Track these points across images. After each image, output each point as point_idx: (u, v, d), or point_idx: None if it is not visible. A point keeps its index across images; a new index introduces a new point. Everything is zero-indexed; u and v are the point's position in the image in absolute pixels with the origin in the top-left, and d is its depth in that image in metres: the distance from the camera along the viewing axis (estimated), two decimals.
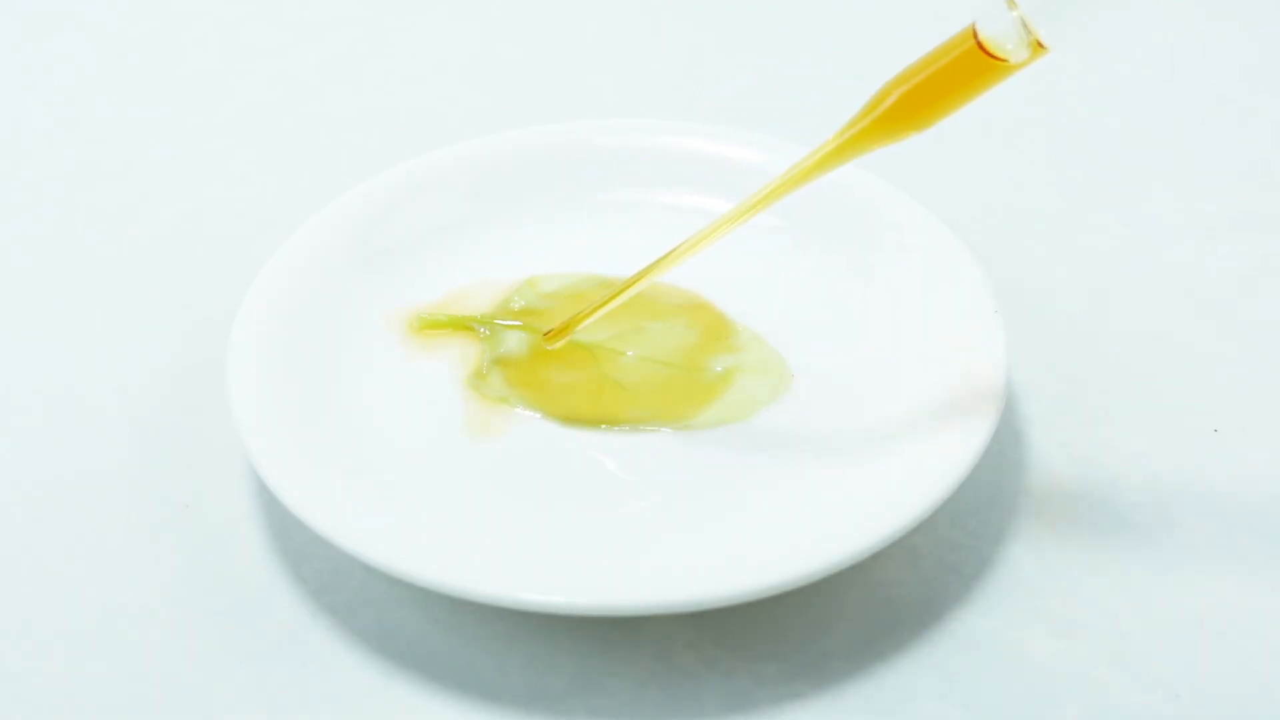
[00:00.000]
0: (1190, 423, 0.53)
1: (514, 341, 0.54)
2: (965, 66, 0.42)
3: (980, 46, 0.41)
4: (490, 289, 0.56)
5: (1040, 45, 0.41)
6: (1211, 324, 0.57)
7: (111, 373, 0.55)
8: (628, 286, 0.50)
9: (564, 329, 0.52)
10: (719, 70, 0.72)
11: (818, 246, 0.56)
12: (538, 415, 0.51)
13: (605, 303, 0.51)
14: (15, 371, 0.56)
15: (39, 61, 0.73)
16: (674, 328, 0.54)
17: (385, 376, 0.53)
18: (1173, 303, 0.58)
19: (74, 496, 0.51)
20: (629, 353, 0.53)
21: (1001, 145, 0.66)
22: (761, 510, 0.48)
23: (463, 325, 0.54)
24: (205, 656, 0.46)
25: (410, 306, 0.55)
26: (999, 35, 0.41)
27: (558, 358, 0.53)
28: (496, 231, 0.58)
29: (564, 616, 0.47)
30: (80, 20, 0.75)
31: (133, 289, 0.59)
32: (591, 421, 0.51)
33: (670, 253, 0.49)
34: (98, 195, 0.64)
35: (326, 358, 0.52)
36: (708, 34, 0.74)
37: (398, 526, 0.46)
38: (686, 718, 0.45)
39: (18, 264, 0.61)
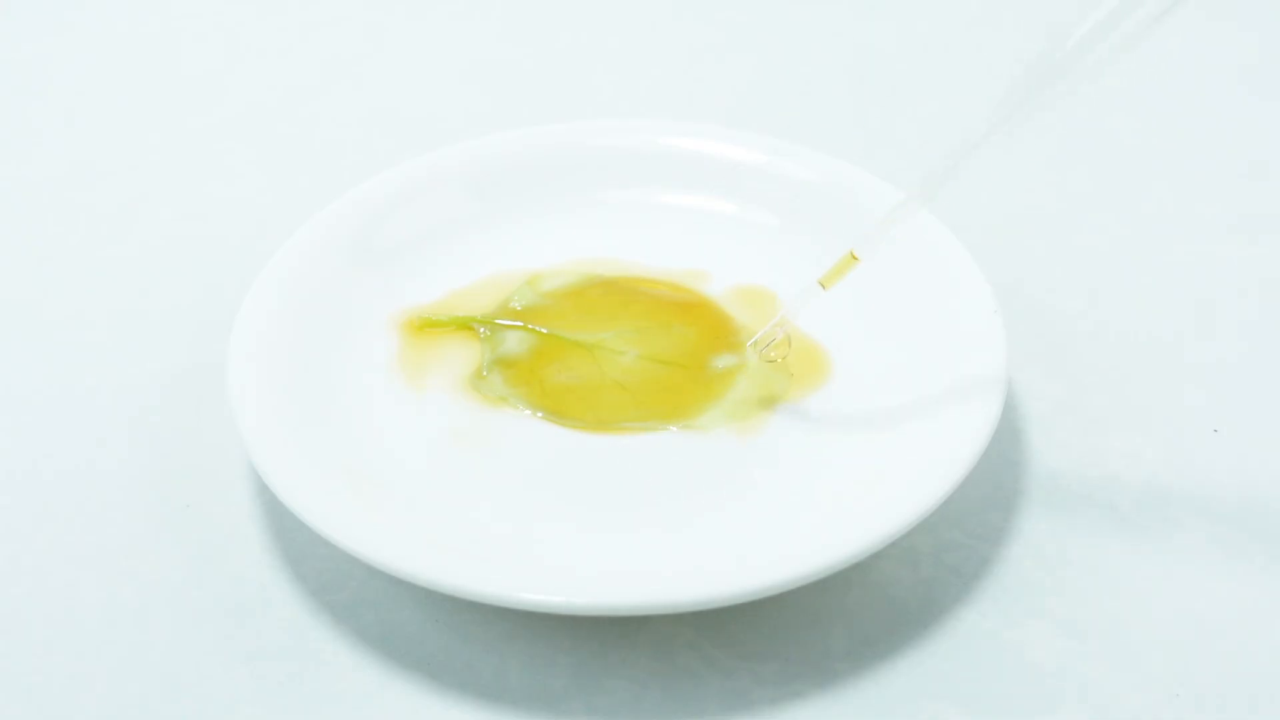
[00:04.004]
0: (1190, 423, 0.53)
1: (514, 341, 0.54)
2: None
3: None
4: (490, 289, 0.56)
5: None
6: (1211, 324, 0.57)
7: (112, 373, 0.55)
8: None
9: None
10: (719, 70, 0.72)
11: (818, 247, 0.56)
12: (538, 415, 0.51)
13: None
14: (16, 372, 0.56)
15: (39, 61, 0.73)
16: (675, 327, 0.54)
17: (385, 376, 0.53)
18: (1173, 303, 0.58)
19: (74, 497, 0.51)
20: (629, 353, 0.53)
21: (1002, 145, 0.66)
22: (762, 510, 0.48)
23: (463, 325, 0.54)
24: (205, 656, 0.46)
25: (410, 306, 0.55)
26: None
27: (558, 358, 0.53)
28: (497, 231, 0.58)
29: (564, 616, 0.47)
30: (80, 20, 0.75)
31: (133, 289, 0.59)
32: (592, 422, 0.51)
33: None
34: (98, 195, 0.64)
35: (327, 358, 0.52)
36: (708, 34, 0.74)
37: (398, 526, 0.46)
38: (686, 718, 0.45)
39: (18, 264, 0.61)
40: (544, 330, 0.54)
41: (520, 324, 0.54)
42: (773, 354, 0.52)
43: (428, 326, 0.54)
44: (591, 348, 0.53)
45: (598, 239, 0.58)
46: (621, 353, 0.53)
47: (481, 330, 0.54)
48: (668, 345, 0.53)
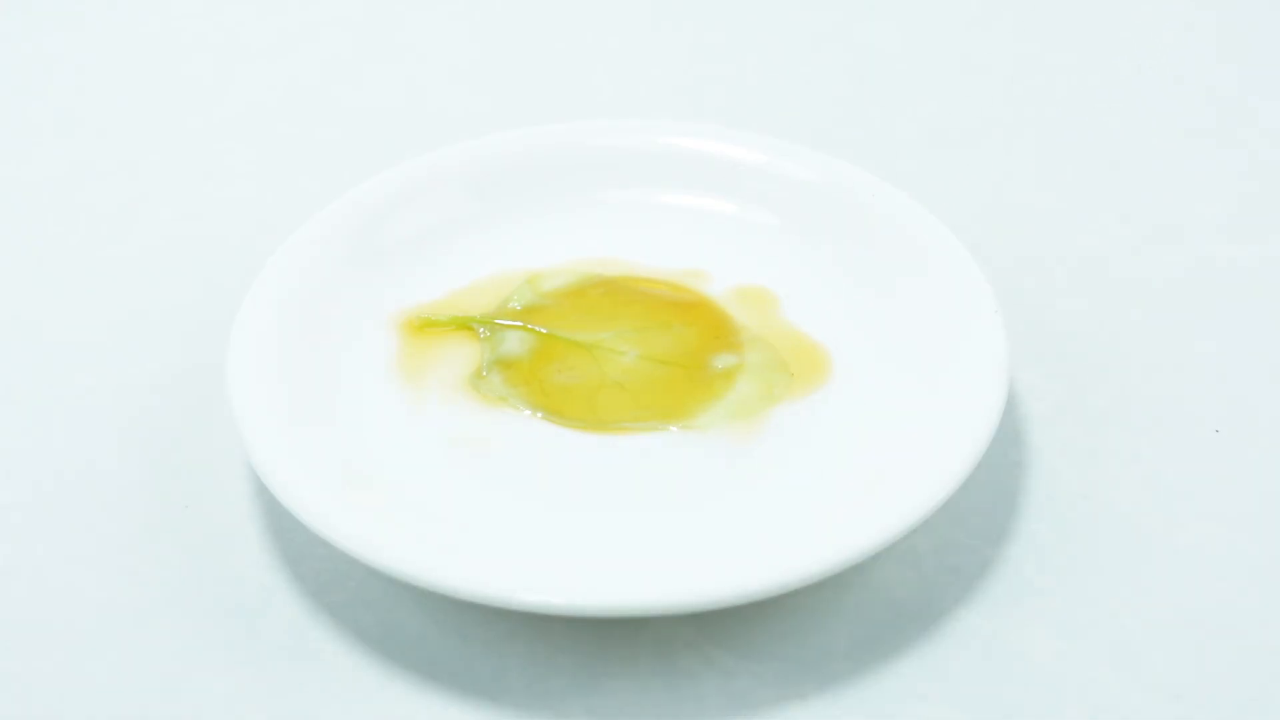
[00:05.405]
0: (1190, 423, 0.53)
1: (514, 341, 0.54)
2: None
3: None
4: (490, 289, 0.56)
5: None
6: (1211, 324, 0.57)
7: (112, 373, 0.55)
8: None
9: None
10: (719, 70, 0.72)
11: (818, 247, 0.56)
12: (538, 415, 0.51)
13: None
14: (15, 372, 0.56)
15: (39, 61, 0.73)
16: (674, 327, 0.54)
17: (385, 377, 0.53)
18: (1173, 303, 0.58)
19: (74, 497, 0.51)
20: (629, 353, 0.53)
21: (1001, 145, 0.66)
22: (762, 510, 0.48)
23: (463, 325, 0.54)
24: (205, 656, 0.46)
25: (410, 306, 0.55)
26: None
27: (558, 358, 0.53)
28: (497, 231, 0.58)
29: (564, 616, 0.47)
30: (80, 20, 0.75)
31: (133, 289, 0.59)
32: (592, 422, 0.51)
33: None
34: (97, 195, 0.64)
35: (327, 358, 0.52)
36: (708, 34, 0.74)
37: (398, 527, 0.46)
38: (686, 718, 0.45)
39: (18, 264, 0.61)
40: (544, 330, 0.54)
41: (520, 324, 0.54)
42: None
43: (427, 326, 0.54)
44: (591, 348, 0.53)
45: (598, 239, 0.58)
46: (621, 353, 0.53)
47: (481, 330, 0.54)
48: (667, 345, 0.53)
